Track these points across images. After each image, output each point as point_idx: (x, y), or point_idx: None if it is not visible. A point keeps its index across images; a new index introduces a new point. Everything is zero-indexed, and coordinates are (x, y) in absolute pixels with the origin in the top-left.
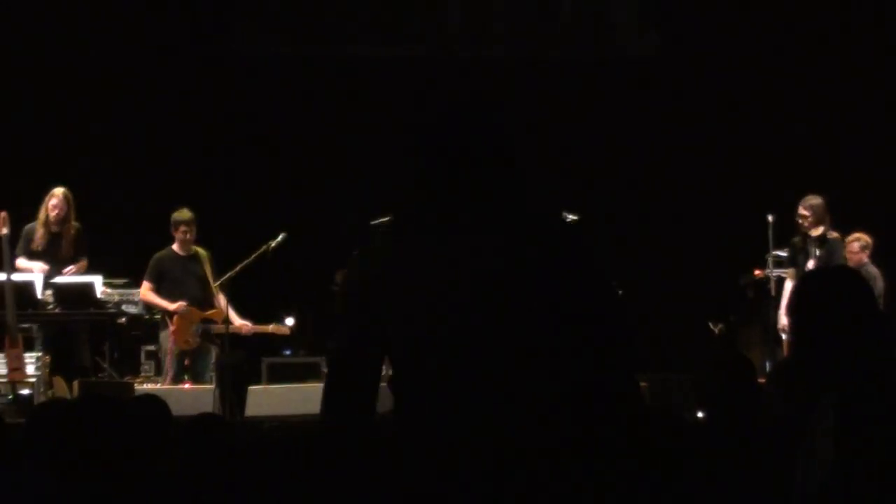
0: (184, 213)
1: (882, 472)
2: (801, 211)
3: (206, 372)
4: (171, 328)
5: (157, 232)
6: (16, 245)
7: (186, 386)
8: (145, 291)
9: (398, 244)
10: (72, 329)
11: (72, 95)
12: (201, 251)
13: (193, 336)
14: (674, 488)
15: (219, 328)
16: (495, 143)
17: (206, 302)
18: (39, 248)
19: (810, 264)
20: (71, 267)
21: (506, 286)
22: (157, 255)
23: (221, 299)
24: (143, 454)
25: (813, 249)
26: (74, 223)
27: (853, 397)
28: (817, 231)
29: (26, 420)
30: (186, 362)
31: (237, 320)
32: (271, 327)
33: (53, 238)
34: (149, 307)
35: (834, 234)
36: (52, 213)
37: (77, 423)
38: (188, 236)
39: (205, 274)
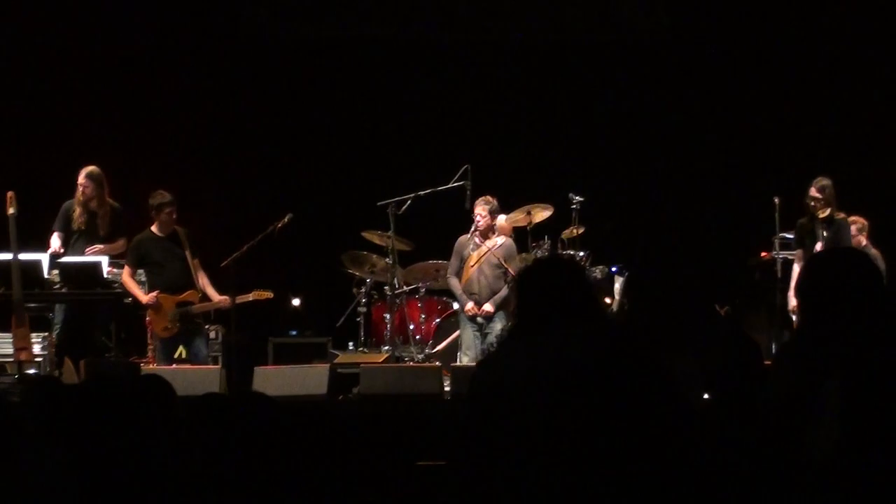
0: (165, 196)
1: (888, 450)
2: (813, 193)
3: (201, 353)
4: (147, 318)
5: None
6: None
7: (192, 366)
8: (125, 277)
9: (507, 355)
10: (85, 310)
11: (86, 80)
12: (179, 229)
13: (172, 322)
14: (680, 471)
15: (201, 307)
16: (579, 284)
17: (188, 282)
18: (81, 227)
19: (818, 246)
20: (96, 246)
21: (580, 383)
22: (137, 237)
23: (202, 276)
24: (146, 434)
25: (820, 231)
26: (110, 201)
27: (859, 377)
28: (825, 213)
29: (22, 399)
30: (180, 349)
31: (216, 296)
32: (252, 295)
33: (91, 217)
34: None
35: (841, 216)
36: (80, 192)
37: (80, 403)
38: (174, 216)
39: (185, 253)
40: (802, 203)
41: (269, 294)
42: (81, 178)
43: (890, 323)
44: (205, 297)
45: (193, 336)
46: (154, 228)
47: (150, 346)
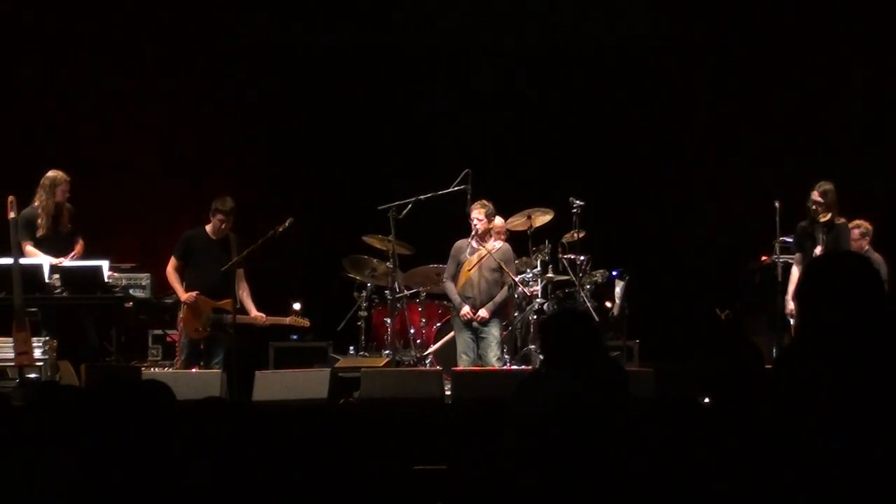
0: (225, 203)
1: (888, 453)
2: (815, 197)
3: (215, 360)
4: (180, 315)
5: (165, 217)
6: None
7: (194, 370)
8: (169, 268)
9: (538, 385)
10: (76, 312)
11: (81, 85)
12: (232, 236)
13: (204, 325)
14: (681, 474)
15: (231, 317)
16: (586, 328)
17: (228, 289)
18: (45, 234)
19: (817, 250)
20: (73, 253)
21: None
22: (189, 232)
23: (243, 288)
24: (145, 438)
25: (820, 235)
26: (67, 204)
27: (859, 381)
28: (826, 217)
29: (24, 404)
30: (202, 347)
31: (253, 311)
32: (289, 319)
33: (53, 221)
34: (159, 290)
35: (841, 220)
36: (63, 198)
37: (81, 408)
38: (224, 226)
39: (231, 260)
40: (804, 207)
41: (305, 322)
42: (66, 185)
43: (889, 327)
44: (242, 310)
45: (216, 343)
46: (208, 228)
47: (178, 346)
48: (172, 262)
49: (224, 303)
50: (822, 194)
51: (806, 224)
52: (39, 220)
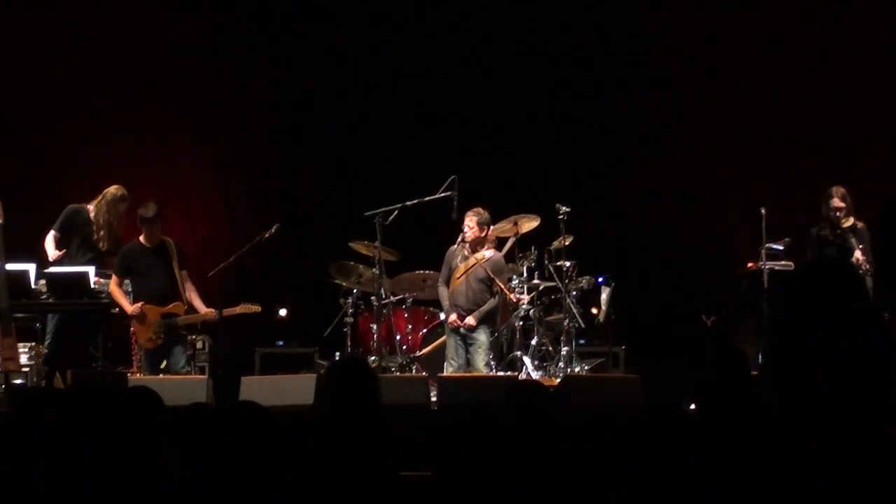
0: (147, 210)
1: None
2: (836, 203)
3: (178, 363)
4: (132, 329)
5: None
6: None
7: (179, 377)
8: (112, 286)
9: None
10: (76, 321)
11: (71, 90)
12: (169, 241)
13: (156, 334)
14: (667, 481)
15: (187, 319)
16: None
17: (174, 293)
18: (95, 242)
19: (857, 254)
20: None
21: None
22: (125, 247)
23: (189, 288)
24: (134, 445)
25: (853, 240)
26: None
27: (846, 389)
28: (848, 222)
29: (14, 410)
30: (164, 362)
31: (203, 308)
32: (239, 308)
33: (107, 233)
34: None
35: (860, 223)
36: (117, 212)
37: (68, 414)
38: (153, 233)
39: (172, 265)
40: (796, 214)
41: (256, 308)
42: (124, 202)
43: (876, 333)
44: (191, 309)
45: (173, 346)
46: (142, 239)
47: (135, 357)
48: (114, 279)
49: (172, 307)
50: (843, 198)
51: (827, 233)
52: (99, 232)
